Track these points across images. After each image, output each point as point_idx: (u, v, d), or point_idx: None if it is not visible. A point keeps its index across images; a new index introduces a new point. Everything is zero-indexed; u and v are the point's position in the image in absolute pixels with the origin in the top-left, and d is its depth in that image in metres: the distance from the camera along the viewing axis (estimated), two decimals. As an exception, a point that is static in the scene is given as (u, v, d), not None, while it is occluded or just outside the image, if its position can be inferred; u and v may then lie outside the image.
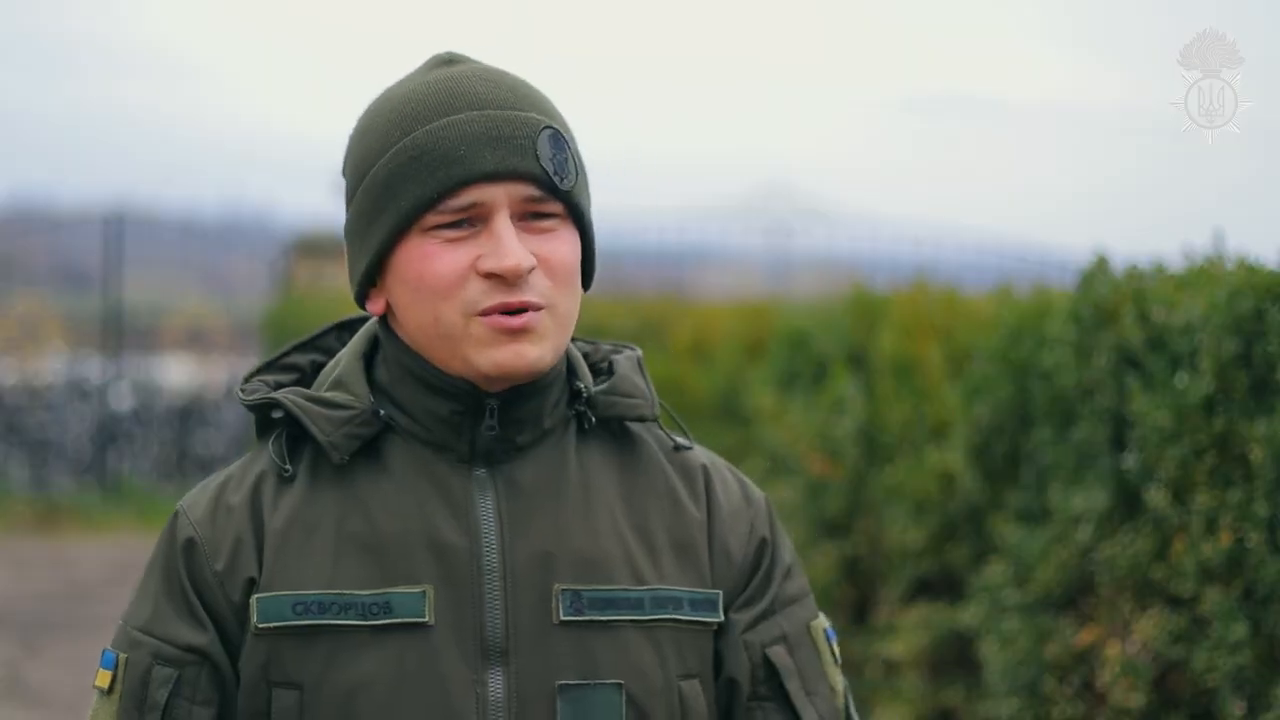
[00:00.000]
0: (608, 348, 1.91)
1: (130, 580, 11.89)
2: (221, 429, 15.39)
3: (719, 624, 1.82)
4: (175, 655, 1.77)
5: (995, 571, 3.96)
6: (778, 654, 1.83)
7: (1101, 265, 3.74)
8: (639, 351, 1.91)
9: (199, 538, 1.79)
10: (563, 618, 1.75)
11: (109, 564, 11.92)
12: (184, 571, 1.79)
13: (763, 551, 1.86)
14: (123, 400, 15.26)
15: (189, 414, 15.34)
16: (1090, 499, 3.57)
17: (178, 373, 16.14)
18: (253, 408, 1.83)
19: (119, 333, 15.33)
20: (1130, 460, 3.47)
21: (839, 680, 1.87)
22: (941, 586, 4.59)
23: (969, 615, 4.13)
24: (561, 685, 1.74)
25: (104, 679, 1.80)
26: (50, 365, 15.65)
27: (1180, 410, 3.25)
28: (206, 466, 15.31)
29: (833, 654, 1.88)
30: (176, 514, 1.82)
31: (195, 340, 16.48)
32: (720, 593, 1.82)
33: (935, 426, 4.70)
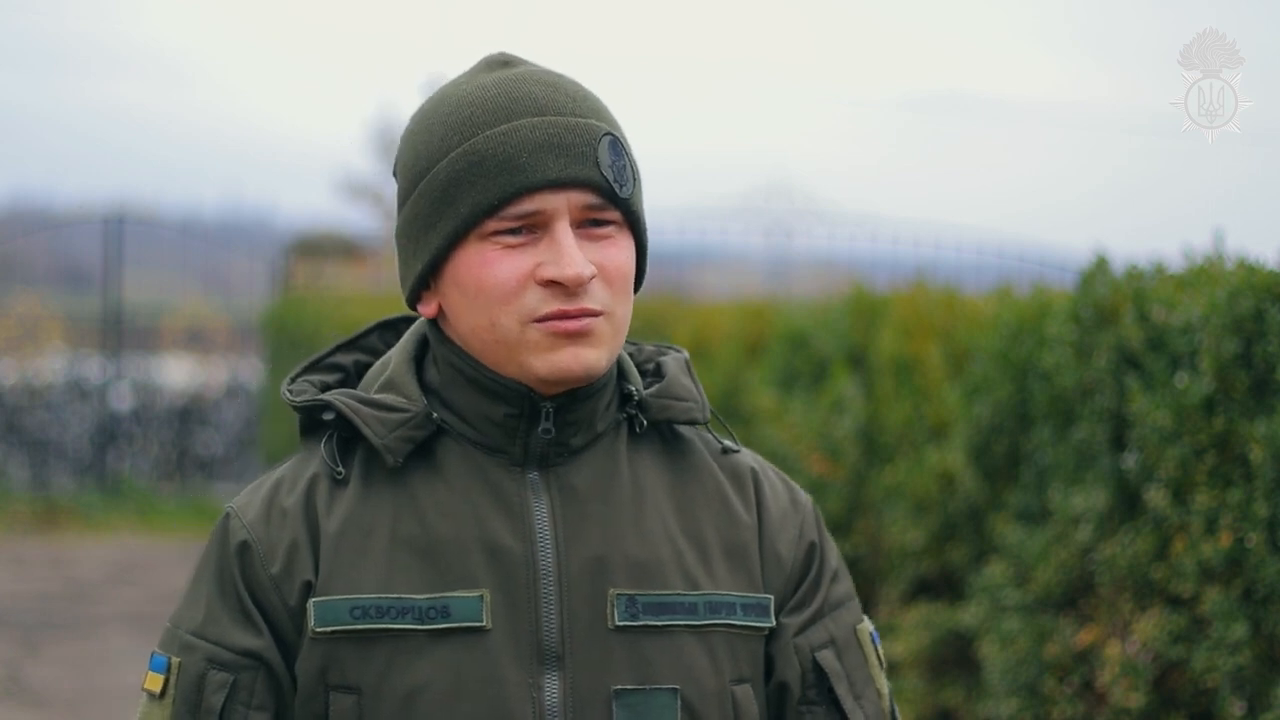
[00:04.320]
0: (652, 349, 1.92)
1: (130, 580, 11.88)
2: (221, 429, 15.39)
3: (770, 628, 1.82)
4: (231, 660, 1.76)
5: (995, 571, 3.96)
6: (826, 658, 1.84)
7: (1101, 265, 3.74)
8: (685, 353, 1.91)
9: (253, 540, 1.77)
10: (618, 623, 1.75)
11: (109, 564, 11.92)
12: (239, 574, 1.77)
13: (811, 555, 1.86)
14: (123, 400, 15.25)
15: (189, 414, 15.34)
16: (1090, 499, 3.57)
17: (178, 373, 16.13)
18: (301, 409, 1.82)
19: (119, 333, 15.33)
20: (1130, 460, 3.47)
21: (884, 683, 1.88)
22: (941, 586, 4.59)
23: (969, 615, 4.13)
24: (617, 690, 1.74)
25: (155, 683, 1.79)
26: (50, 365, 15.64)
27: (1180, 410, 3.25)
28: (206, 466, 15.32)
29: (878, 657, 1.88)
30: (228, 516, 1.81)
31: (195, 340, 16.47)
32: (771, 597, 1.82)
33: (935, 426, 4.70)
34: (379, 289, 15.85)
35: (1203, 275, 3.39)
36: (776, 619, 1.83)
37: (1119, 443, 3.55)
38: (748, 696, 1.79)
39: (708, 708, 1.76)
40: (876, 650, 1.88)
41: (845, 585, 1.89)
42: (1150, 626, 3.34)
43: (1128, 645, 3.42)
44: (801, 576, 1.85)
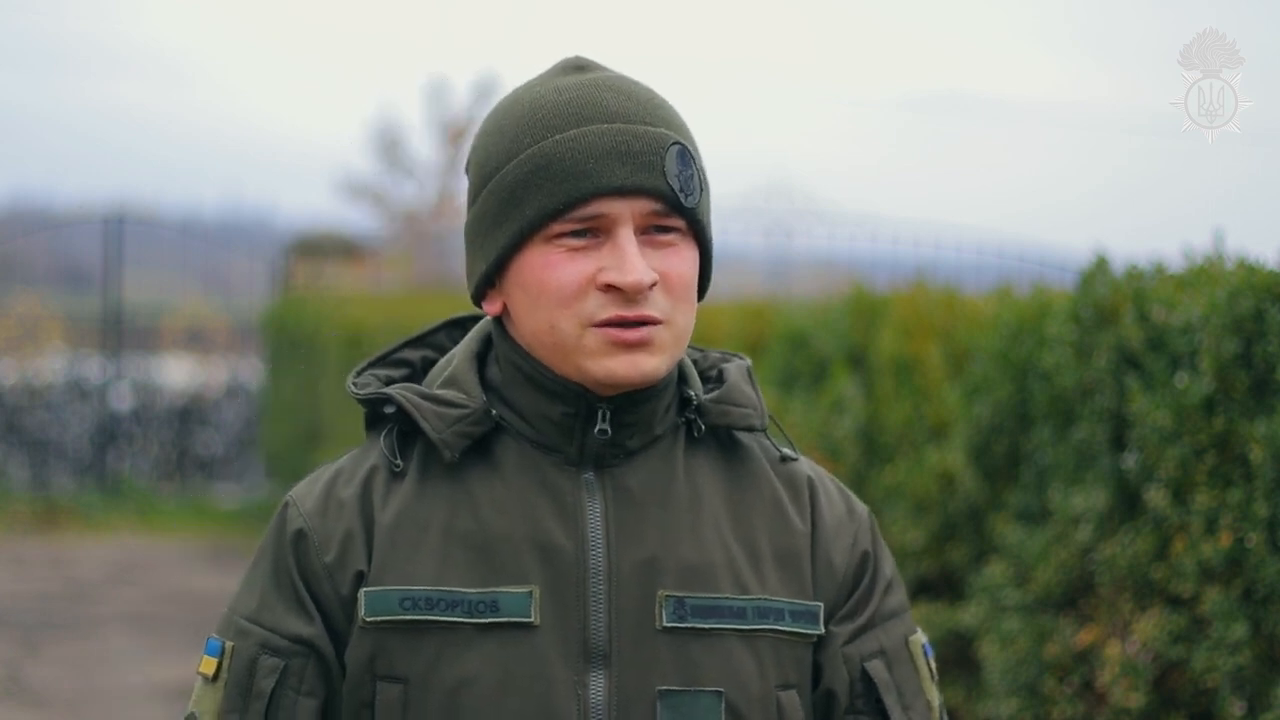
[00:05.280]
0: (716, 355, 1.92)
1: (130, 580, 11.90)
2: (221, 429, 15.39)
3: (819, 636, 1.82)
4: (283, 645, 1.78)
5: (995, 571, 3.96)
6: (876, 669, 1.84)
7: (1101, 265, 3.74)
8: (748, 361, 1.92)
9: (309, 529, 1.80)
10: (665, 624, 1.76)
11: (109, 564, 11.92)
12: (293, 562, 1.80)
13: (865, 565, 1.86)
14: (123, 400, 15.25)
15: (189, 414, 15.34)
16: (1090, 499, 3.57)
17: (178, 373, 16.13)
18: (365, 402, 1.84)
19: (119, 333, 15.33)
20: (1130, 460, 3.47)
21: (935, 696, 1.87)
22: (941, 586, 4.59)
23: (969, 615, 4.13)
24: (662, 690, 1.75)
25: (209, 666, 1.81)
26: (50, 365, 15.64)
27: (1180, 410, 3.25)
28: (206, 466, 15.32)
29: (930, 670, 1.88)
30: (286, 504, 1.83)
31: (195, 340, 16.47)
32: (821, 605, 1.83)
33: (935, 426, 4.70)
34: (379, 289, 15.85)
35: (1203, 275, 3.39)
36: (827, 627, 1.83)
37: (1119, 443, 3.55)
38: (793, 703, 1.80)
39: (752, 712, 1.77)
40: (929, 663, 1.88)
41: (899, 596, 1.89)
42: (1150, 626, 3.34)
43: (1128, 645, 3.42)
44: (854, 586, 1.85)
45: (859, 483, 5.08)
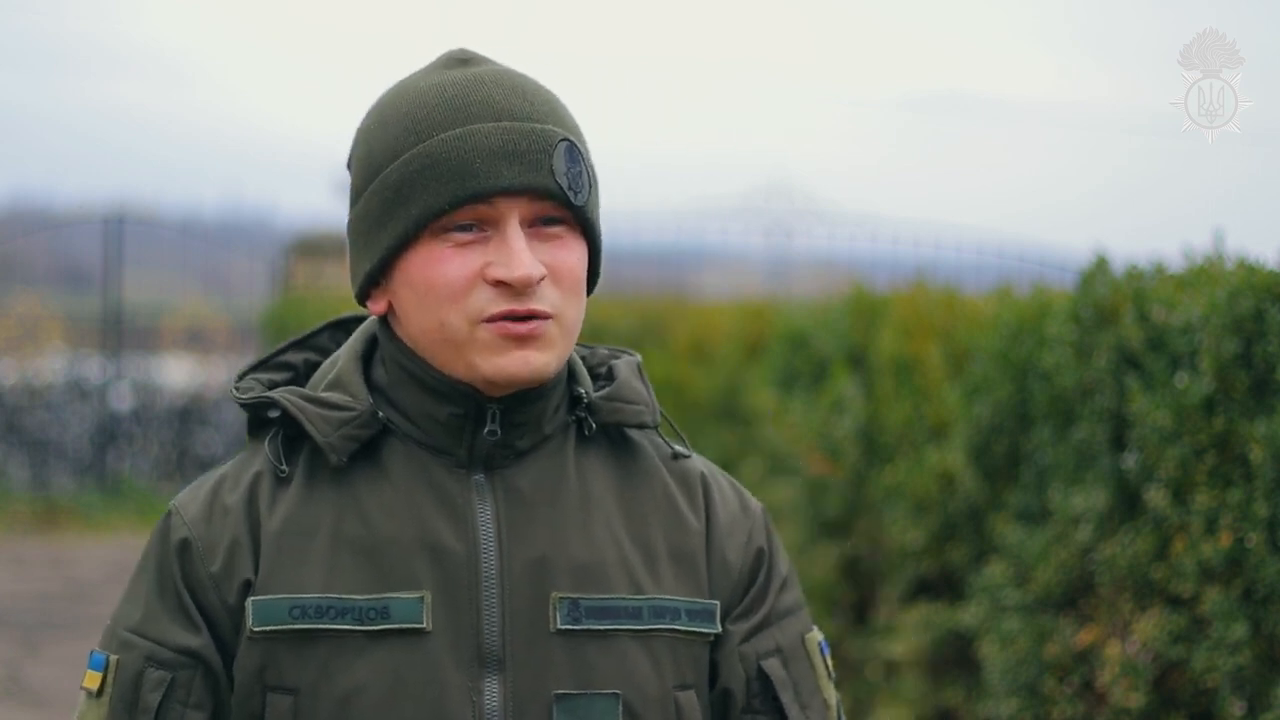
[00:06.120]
0: (605, 352, 1.89)
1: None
2: (221, 429, 15.39)
3: (716, 635, 1.80)
4: (169, 658, 1.75)
5: (995, 571, 3.96)
6: (772, 667, 1.81)
7: (1101, 265, 3.74)
8: (638, 357, 1.89)
9: (194, 538, 1.76)
10: (560, 626, 1.73)
11: (109, 564, 11.92)
12: (178, 572, 1.76)
13: (760, 562, 1.84)
14: (123, 400, 15.25)
15: (189, 414, 15.34)
16: (1090, 499, 3.57)
17: (178, 373, 16.13)
18: (248, 406, 1.80)
19: (119, 333, 15.32)
20: (1130, 460, 3.47)
21: (832, 695, 1.85)
22: (941, 586, 4.59)
23: (969, 615, 4.13)
24: (558, 694, 1.72)
25: (93, 680, 1.77)
26: (50, 365, 15.64)
27: (1180, 410, 3.25)
28: (206, 466, 15.32)
29: (826, 668, 1.86)
30: (169, 513, 1.80)
31: (195, 340, 16.47)
32: (718, 603, 1.80)
33: (935, 426, 4.70)
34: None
35: (1203, 275, 3.39)
36: (723, 625, 1.80)
37: (1119, 443, 3.55)
38: (691, 703, 1.77)
39: (650, 713, 1.74)
40: (825, 661, 1.86)
41: (794, 594, 1.86)
42: (1150, 626, 3.34)
43: (1128, 645, 3.42)
44: (749, 583, 1.83)
45: (859, 483, 5.09)
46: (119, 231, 15.29)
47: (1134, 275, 3.62)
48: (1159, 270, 3.60)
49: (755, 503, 1.89)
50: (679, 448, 1.87)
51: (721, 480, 1.88)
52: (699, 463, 1.88)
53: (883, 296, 5.48)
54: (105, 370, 15.30)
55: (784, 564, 1.87)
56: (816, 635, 1.86)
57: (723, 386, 6.90)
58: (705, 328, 7.59)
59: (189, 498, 1.80)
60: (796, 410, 5.46)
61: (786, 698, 1.81)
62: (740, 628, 1.81)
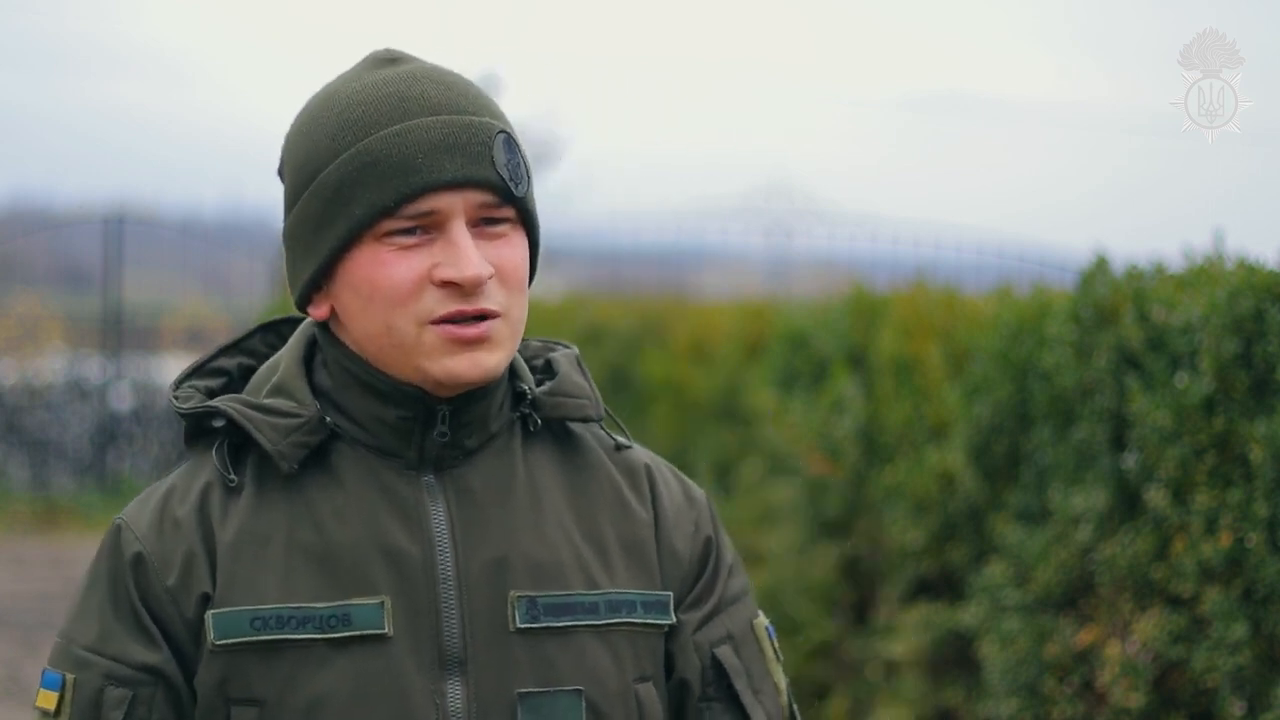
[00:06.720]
0: (538, 344, 1.89)
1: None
2: (221, 429, 15.37)
3: (670, 625, 1.81)
4: (129, 675, 1.72)
5: (995, 571, 3.96)
6: (725, 654, 1.82)
7: (1101, 265, 3.75)
8: (575, 350, 1.88)
9: (147, 552, 1.73)
10: (519, 625, 1.73)
11: (109, 564, 11.92)
12: (133, 587, 1.73)
13: (708, 550, 1.85)
14: (123, 400, 15.25)
15: (189, 414, 15.33)
16: (1090, 499, 3.57)
17: (177, 372, 16.12)
18: (189, 416, 1.78)
19: (119, 333, 15.33)
20: (1130, 460, 3.48)
21: (782, 678, 1.86)
22: (941, 586, 4.59)
23: (969, 615, 4.13)
24: (521, 693, 1.72)
25: (48, 700, 1.74)
26: (50, 365, 15.64)
27: (1180, 410, 3.25)
28: (206, 466, 15.31)
29: (775, 652, 1.86)
30: (119, 528, 1.76)
31: (195, 340, 16.46)
32: (671, 594, 1.81)
33: (935, 426, 4.70)
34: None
35: (1203, 275, 3.39)
36: (676, 615, 1.81)
37: (1119, 443, 3.55)
38: (650, 695, 1.78)
39: (612, 708, 1.74)
40: (773, 644, 1.86)
41: (741, 580, 1.87)
42: (1150, 626, 3.34)
43: (1128, 645, 3.42)
44: (699, 572, 1.83)
45: (859, 483, 5.09)
46: (119, 231, 15.30)
47: (1134, 275, 3.62)
48: (1159, 270, 3.60)
49: (699, 491, 1.89)
50: (621, 439, 1.87)
51: (665, 470, 1.88)
52: (641, 453, 1.88)
53: (883, 296, 5.49)
54: (105, 370, 15.30)
55: (729, 551, 1.87)
56: (763, 620, 1.87)
57: (723, 386, 6.90)
58: (705, 328, 7.59)
59: (137, 511, 1.77)
60: (796, 410, 5.46)
61: (740, 684, 1.82)
62: (692, 617, 1.82)
